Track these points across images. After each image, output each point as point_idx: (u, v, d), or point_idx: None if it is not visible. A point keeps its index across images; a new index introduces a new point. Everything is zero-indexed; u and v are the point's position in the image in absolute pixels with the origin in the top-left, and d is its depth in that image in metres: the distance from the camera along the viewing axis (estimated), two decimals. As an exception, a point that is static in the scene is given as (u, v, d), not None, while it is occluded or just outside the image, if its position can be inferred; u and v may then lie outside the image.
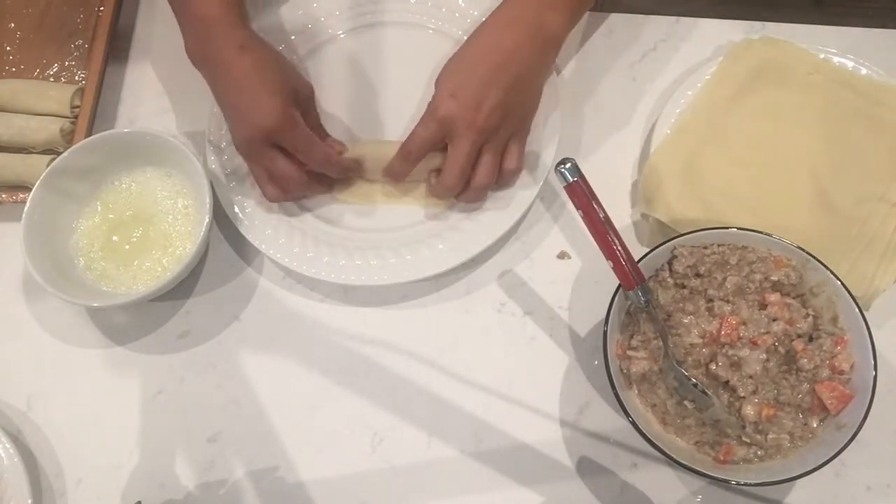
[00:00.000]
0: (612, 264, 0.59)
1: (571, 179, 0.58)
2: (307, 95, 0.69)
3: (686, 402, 0.59)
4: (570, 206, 0.71)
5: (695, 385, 0.59)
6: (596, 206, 0.58)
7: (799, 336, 0.60)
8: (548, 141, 0.71)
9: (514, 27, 0.65)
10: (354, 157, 0.70)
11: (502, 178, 0.68)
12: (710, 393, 0.59)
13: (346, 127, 0.76)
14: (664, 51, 0.79)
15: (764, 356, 0.59)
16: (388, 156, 0.68)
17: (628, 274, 0.59)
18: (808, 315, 0.60)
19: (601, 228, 0.59)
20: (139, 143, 0.71)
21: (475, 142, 0.63)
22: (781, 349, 0.60)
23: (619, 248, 0.59)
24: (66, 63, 0.81)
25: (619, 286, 0.60)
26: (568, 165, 0.58)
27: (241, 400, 0.67)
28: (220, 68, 0.65)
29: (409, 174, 0.68)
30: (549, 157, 0.70)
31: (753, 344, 0.59)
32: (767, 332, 0.59)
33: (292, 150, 0.65)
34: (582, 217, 0.59)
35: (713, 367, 0.59)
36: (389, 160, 0.68)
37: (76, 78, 0.80)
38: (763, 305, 0.61)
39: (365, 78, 0.78)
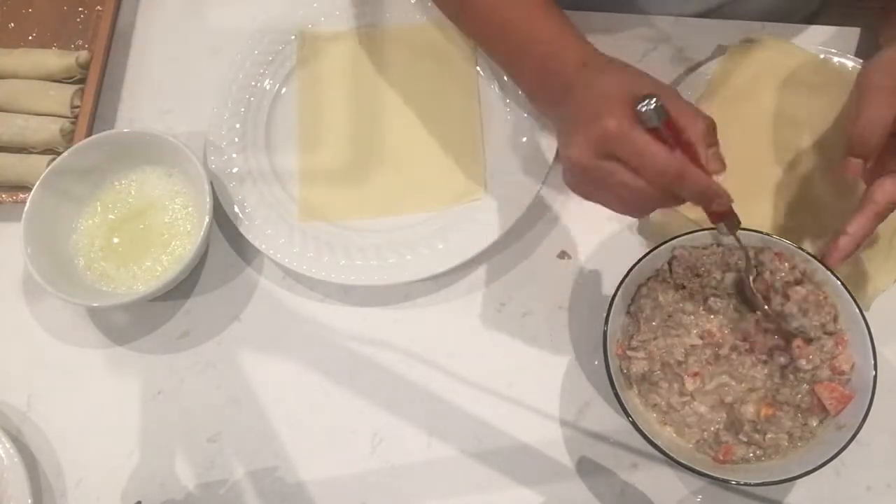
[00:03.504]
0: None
1: (657, 123, 0.51)
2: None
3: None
4: (570, 205, 0.71)
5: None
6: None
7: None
8: (548, 141, 0.71)
9: None
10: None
11: None
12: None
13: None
14: (664, 51, 0.78)
15: (763, 356, 0.59)
16: None
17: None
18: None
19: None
20: (139, 143, 0.71)
21: None
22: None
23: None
24: (67, 63, 0.81)
25: (620, 286, 0.60)
26: (653, 105, 0.50)
27: (241, 400, 0.67)
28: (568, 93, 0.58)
29: None
30: (549, 156, 0.70)
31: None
32: (767, 332, 0.59)
33: (627, 160, 0.53)
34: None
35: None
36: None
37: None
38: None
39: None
